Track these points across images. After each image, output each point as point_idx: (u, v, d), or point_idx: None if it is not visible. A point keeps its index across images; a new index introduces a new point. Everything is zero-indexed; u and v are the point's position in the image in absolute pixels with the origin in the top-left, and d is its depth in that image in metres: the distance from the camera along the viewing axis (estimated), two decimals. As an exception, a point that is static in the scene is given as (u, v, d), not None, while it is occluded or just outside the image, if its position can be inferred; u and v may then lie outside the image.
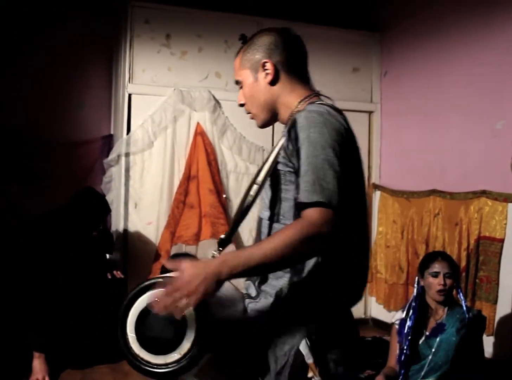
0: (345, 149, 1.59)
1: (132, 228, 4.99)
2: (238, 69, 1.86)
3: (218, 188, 5.06)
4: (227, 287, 1.73)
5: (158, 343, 1.50)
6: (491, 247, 4.41)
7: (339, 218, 1.50)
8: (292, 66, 1.79)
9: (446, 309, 3.38)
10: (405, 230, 5.27)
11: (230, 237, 1.86)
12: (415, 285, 3.47)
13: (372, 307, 5.83)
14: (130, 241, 4.99)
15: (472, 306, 4.21)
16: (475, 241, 4.49)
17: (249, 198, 1.80)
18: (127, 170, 4.95)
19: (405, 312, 3.44)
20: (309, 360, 1.59)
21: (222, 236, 1.85)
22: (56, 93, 5.21)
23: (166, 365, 1.48)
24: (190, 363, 1.47)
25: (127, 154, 4.92)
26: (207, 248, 4.78)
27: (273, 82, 1.78)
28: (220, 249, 1.79)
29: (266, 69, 1.78)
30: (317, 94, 1.80)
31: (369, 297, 5.82)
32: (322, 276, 1.63)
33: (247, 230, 5.29)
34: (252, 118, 1.92)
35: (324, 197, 1.50)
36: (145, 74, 4.98)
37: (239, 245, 5.16)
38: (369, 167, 5.84)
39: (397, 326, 3.46)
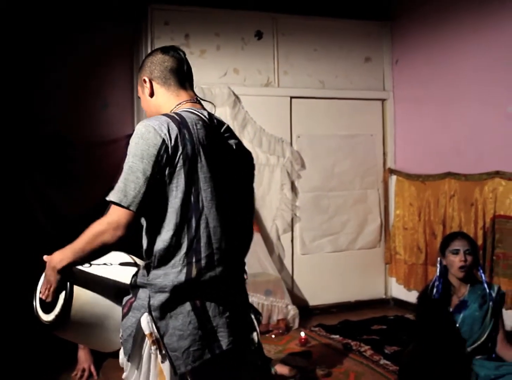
0: (160, 160, 1.84)
1: (161, 222, 5.19)
2: (137, 87, 2.21)
3: (242, 179, 5.27)
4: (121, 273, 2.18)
5: (47, 306, 2.07)
6: (506, 225, 4.61)
7: (134, 216, 1.84)
8: (167, 79, 2.09)
9: (468, 286, 3.52)
10: (422, 212, 5.47)
11: None
12: (437, 265, 3.60)
13: (392, 287, 6.04)
14: (160, 234, 5.19)
15: (490, 282, 4.39)
16: (490, 219, 4.69)
17: None
18: (154, 166, 5.14)
19: (428, 291, 3.61)
20: (146, 331, 1.89)
21: None
22: (82, 94, 5.39)
23: (48, 321, 2.07)
24: (58, 321, 2.04)
25: (153, 152, 5.11)
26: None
27: (151, 95, 2.12)
28: None
29: (146, 85, 2.11)
30: (189, 101, 2.08)
31: (389, 277, 6.04)
32: (155, 263, 1.92)
33: (270, 218, 5.52)
34: None
35: (118, 198, 1.83)
36: (167, 73, 5.17)
37: (264, 233, 5.39)
38: (384, 153, 6.06)
39: None
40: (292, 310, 5.18)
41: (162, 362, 1.89)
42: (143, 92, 2.13)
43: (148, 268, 1.92)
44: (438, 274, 3.59)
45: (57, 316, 2.03)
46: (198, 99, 2.11)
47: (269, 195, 5.53)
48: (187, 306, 1.89)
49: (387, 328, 5.13)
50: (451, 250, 3.52)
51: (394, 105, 6.01)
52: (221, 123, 2.09)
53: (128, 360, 1.95)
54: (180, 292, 1.88)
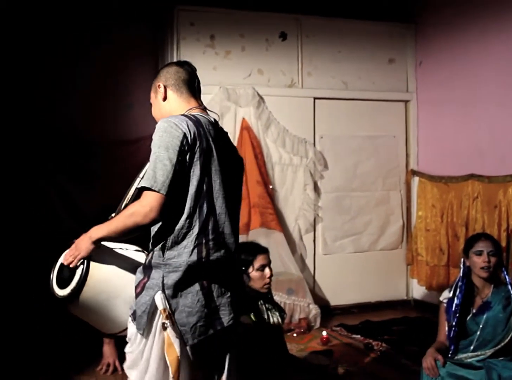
0: (183, 150, 2.10)
1: (185, 220, 5.26)
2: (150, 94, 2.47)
3: (265, 179, 5.34)
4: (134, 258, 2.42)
5: (63, 282, 2.31)
6: (530, 227, 4.62)
7: (166, 199, 2.06)
8: (180, 87, 2.36)
9: (491, 287, 3.53)
10: (445, 214, 5.48)
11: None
12: (461, 266, 3.62)
13: (414, 288, 6.06)
14: (182, 233, 5.26)
15: (515, 284, 4.39)
16: (514, 222, 4.69)
17: (133, 188, 2.45)
18: (178, 166, 5.21)
19: (452, 292, 3.61)
20: (160, 307, 2.10)
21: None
22: (107, 94, 5.46)
23: (62, 295, 2.28)
24: (73, 294, 2.25)
25: (177, 151, 5.18)
26: (257, 237, 5.04)
27: (164, 99, 2.37)
28: None
29: (160, 90, 2.37)
30: (198, 107, 2.36)
31: (411, 279, 6.05)
32: (166, 247, 2.14)
33: (292, 218, 5.57)
34: None
35: (150, 183, 2.05)
36: (192, 74, 5.24)
37: (286, 233, 5.43)
38: (406, 154, 6.07)
39: (445, 305, 3.62)
40: (314, 310, 5.23)
41: (173, 335, 2.12)
42: (156, 97, 2.40)
43: (163, 249, 2.13)
44: (461, 274, 3.60)
45: (72, 289, 2.24)
46: (205, 107, 2.40)
47: (292, 195, 5.57)
48: (196, 286, 2.14)
49: (408, 328, 5.16)
50: (475, 251, 3.53)
51: (417, 107, 6.02)
52: (223, 129, 2.40)
53: (142, 334, 2.16)
54: (192, 271, 2.12)
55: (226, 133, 2.41)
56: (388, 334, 4.96)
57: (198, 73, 5.36)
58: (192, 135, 2.12)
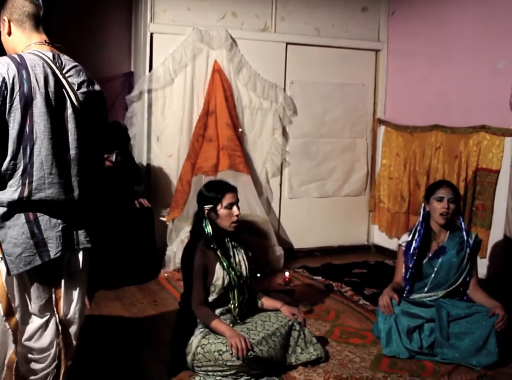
0: (1, 95, 2.14)
1: (154, 160, 5.34)
2: None
3: (235, 122, 5.38)
4: None
5: None
6: (487, 178, 4.78)
7: None
8: (23, 22, 2.35)
9: (447, 233, 3.72)
10: (408, 163, 5.63)
11: None
12: (421, 211, 3.77)
13: (374, 234, 6.26)
14: (153, 172, 5.34)
15: (469, 230, 4.57)
16: (473, 172, 4.86)
17: None
18: (150, 105, 5.26)
19: (411, 235, 3.77)
20: None
21: None
22: (81, 34, 5.40)
23: None
24: None
25: (149, 91, 5.22)
26: (225, 178, 5.10)
27: (9, 34, 2.37)
28: None
29: (4, 24, 2.36)
30: (39, 43, 2.33)
31: (372, 225, 6.24)
32: None
33: (260, 161, 5.66)
34: None
35: None
36: (166, 14, 5.22)
37: (254, 176, 5.53)
38: (374, 103, 6.16)
39: (403, 248, 3.79)
40: (278, 251, 5.37)
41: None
42: (3, 30, 2.38)
43: None
44: (420, 219, 3.76)
45: None
46: (48, 42, 2.36)
47: (260, 139, 5.64)
48: (22, 219, 2.24)
49: (368, 272, 5.34)
50: (436, 197, 3.67)
51: (387, 56, 6.08)
52: (67, 63, 2.33)
53: None
54: (15, 208, 2.22)
55: (70, 66, 2.33)
56: (348, 276, 5.13)
57: (172, 13, 5.36)
58: (11, 80, 2.15)
